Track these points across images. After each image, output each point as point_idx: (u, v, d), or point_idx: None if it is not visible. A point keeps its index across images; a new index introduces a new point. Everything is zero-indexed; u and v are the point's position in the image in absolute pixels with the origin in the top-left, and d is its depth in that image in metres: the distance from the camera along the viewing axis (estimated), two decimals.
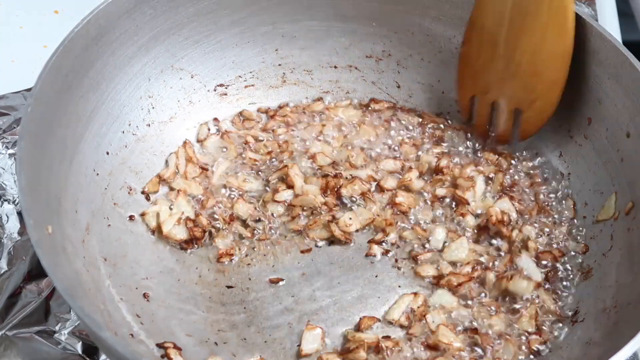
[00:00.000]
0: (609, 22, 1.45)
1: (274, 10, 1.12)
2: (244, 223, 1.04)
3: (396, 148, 1.14)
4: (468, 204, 1.05)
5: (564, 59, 1.01)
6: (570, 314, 0.95)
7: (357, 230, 1.04)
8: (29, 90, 1.20)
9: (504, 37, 1.04)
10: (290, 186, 1.06)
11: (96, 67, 0.97)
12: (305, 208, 1.05)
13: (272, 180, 1.08)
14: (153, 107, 1.08)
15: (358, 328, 0.94)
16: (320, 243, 1.03)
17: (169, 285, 0.98)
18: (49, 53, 0.88)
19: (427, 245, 1.02)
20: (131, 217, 1.02)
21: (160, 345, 0.89)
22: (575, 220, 1.04)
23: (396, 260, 1.01)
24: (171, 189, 1.06)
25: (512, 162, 1.11)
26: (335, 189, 1.06)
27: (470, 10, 1.09)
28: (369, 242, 1.03)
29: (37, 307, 0.98)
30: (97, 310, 0.85)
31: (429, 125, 1.17)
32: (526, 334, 0.93)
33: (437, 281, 0.99)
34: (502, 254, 1.01)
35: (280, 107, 1.18)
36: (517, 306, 0.96)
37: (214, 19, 1.09)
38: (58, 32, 0.91)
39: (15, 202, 1.08)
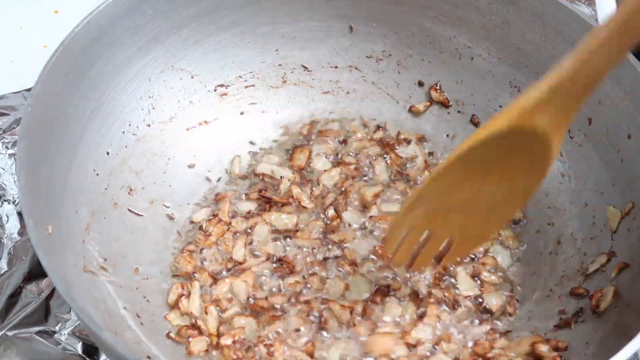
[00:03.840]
0: None
1: (274, 10, 1.12)
2: None
3: None
4: None
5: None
6: (570, 313, 0.95)
7: None
8: (29, 90, 1.20)
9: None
10: None
11: (96, 67, 0.96)
12: None
13: None
14: (153, 108, 1.08)
15: None
16: None
17: None
18: (49, 53, 0.88)
19: None
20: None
21: None
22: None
23: None
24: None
25: None
26: None
27: (470, 10, 1.09)
28: None
29: (37, 307, 0.98)
30: (97, 310, 0.84)
31: None
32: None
33: None
34: None
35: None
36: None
37: (214, 19, 1.09)
38: (58, 32, 0.90)
39: (15, 202, 1.08)
